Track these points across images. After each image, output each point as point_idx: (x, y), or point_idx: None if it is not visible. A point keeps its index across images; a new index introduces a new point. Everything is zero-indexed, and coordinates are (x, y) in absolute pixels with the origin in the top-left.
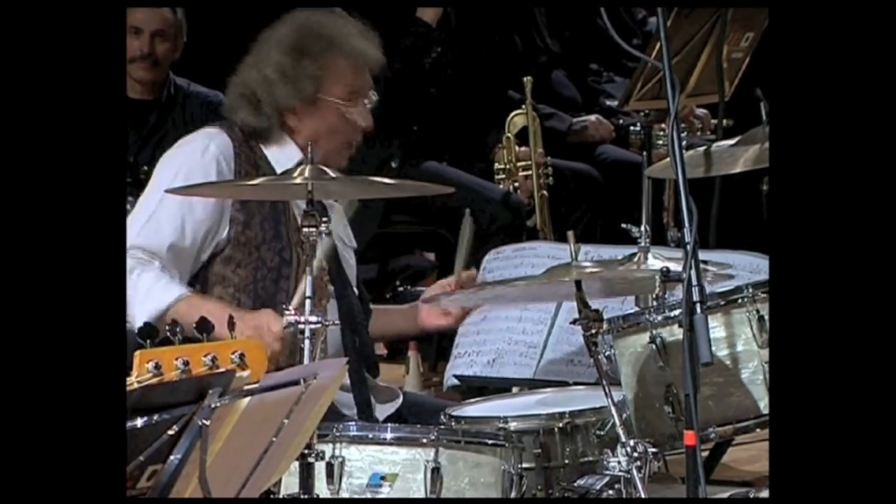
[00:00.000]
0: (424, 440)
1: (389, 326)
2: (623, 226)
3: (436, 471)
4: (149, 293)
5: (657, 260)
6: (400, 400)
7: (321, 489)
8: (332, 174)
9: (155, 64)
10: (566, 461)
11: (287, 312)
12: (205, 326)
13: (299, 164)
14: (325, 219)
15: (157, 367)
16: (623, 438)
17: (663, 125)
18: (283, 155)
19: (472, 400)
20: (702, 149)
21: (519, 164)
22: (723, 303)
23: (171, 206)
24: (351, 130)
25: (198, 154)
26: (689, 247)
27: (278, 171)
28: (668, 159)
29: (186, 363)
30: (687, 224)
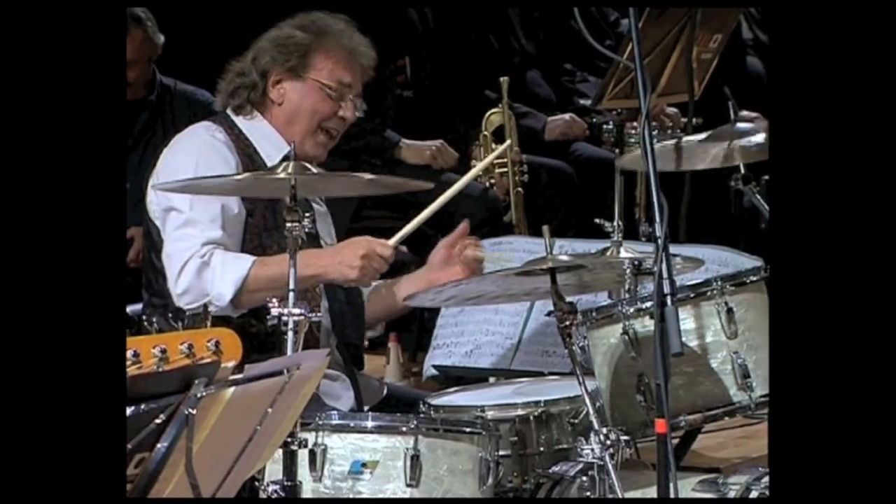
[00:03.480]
0: (404, 428)
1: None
2: (596, 221)
3: (415, 458)
4: (225, 267)
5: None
6: (383, 395)
7: (304, 476)
8: (314, 170)
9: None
10: (541, 448)
11: (271, 305)
12: (179, 315)
13: (285, 157)
14: (307, 213)
15: (136, 355)
16: (596, 426)
17: (635, 123)
18: (270, 147)
19: (451, 389)
20: (673, 142)
21: (495, 161)
22: (692, 295)
23: (202, 198)
24: (331, 114)
25: (208, 141)
26: (660, 241)
27: (268, 163)
28: (638, 152)
29: (164, 351)
30: (658, 219)
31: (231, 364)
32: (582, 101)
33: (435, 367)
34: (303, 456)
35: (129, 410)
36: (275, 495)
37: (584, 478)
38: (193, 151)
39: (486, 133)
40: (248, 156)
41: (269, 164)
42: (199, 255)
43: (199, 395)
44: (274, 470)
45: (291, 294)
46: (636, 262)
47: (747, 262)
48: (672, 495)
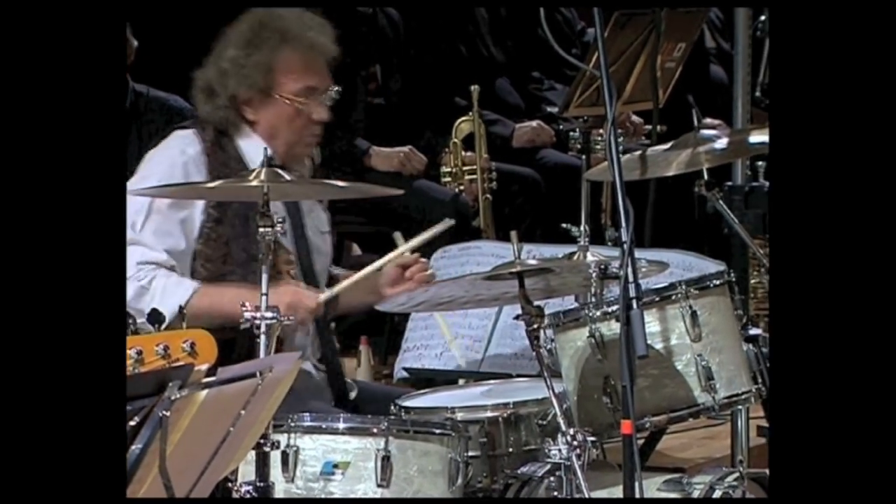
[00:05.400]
0: (375, 430)
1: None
2: (563, 226)
3: (386, 459)
4: (164, 293)
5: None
6: (354, 393)
7: (276, 477)
8: (287, 176)
9: None
10: (510, 449)
11: (244, 309)
12: (156, 318)
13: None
14: (279, 219)
15: None
16: (563, 428)
17: (601, 130)
18: (253, 149)
19: (421, 391)
20: (638, 153)
21: (465, 168)
22: (657, 299)
23: (160, 212)
24: (306, 123)
25: (175, 158)
26: (625, 246)
27: (251, 166)
28: (605, 163)
29: (140, 353)
30: (624, 224)
31: (205, 366)
32: (549, 109)
33: (405, 369)
34: (275, 457)
35: None
36: (248, 496)
37: (552, 478)
38: (157, 165)
39: (456, 140)
40: (222, 162)
41: (251, 164)
42: (136, 277)
43: (172, 398)
44: (247, 471)
45: (263, 298)
46: (602, 267)
47: (711, 266)
48: (637, 495)
